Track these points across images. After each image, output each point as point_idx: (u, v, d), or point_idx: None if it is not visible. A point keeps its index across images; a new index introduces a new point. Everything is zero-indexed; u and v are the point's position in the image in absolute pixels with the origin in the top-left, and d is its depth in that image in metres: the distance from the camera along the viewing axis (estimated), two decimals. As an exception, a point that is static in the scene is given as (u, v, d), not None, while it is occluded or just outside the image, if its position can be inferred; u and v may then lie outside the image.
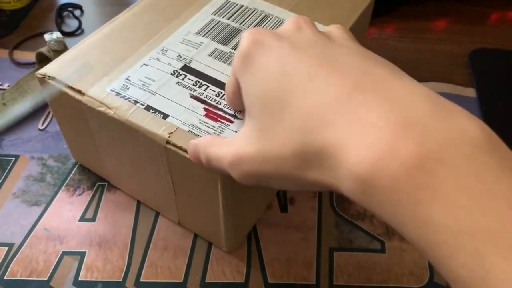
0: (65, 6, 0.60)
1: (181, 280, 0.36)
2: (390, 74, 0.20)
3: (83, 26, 0.58)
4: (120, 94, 0.33)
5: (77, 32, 0.58)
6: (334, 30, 0.25)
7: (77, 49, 0.37)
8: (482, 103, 0.50)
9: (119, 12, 0.41)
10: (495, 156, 0.17)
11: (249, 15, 0.41)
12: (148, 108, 0.33)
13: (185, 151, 0.30)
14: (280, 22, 0.40)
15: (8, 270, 0.37)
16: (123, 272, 0.37)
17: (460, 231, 0.15)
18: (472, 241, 0.15)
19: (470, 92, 0.52)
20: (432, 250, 0.16)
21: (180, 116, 0.32)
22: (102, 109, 0.33)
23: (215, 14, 0.40)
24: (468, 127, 0.17)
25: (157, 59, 0.36)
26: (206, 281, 0.37)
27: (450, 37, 0.59)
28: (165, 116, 0.32)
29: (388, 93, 0.19)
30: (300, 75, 0.21)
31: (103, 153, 0.39)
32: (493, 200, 0.15)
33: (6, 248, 0.38)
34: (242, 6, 0.41)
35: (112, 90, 0.34)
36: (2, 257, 0.38)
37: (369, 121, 0.18)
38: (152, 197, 0.39)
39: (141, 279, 0.36)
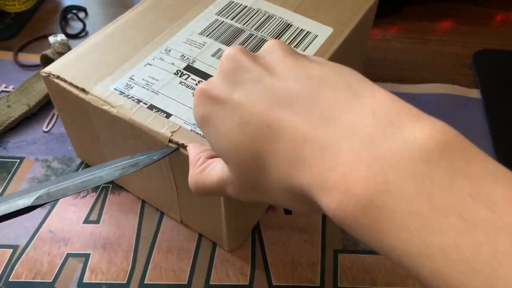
0: (69, 9, 0.61)
1: (185, 282, 0.36)
2: (337, 99, 0.20)
3: (88, 28, 0.59)
4: (124, 93, 0.34)
5: (81, 34, 0.58)
6: (272, 54, 0.23)
7: (81, 48, 0.37)
8: (486, 104, 0.50)
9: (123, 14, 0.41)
10: (443, 164, 0.16)
11: (253, 15, 0.41)
12: (151, 107, 0.33)
13: (186, 149, 0.30)
14: (283, 23, 0.40)
15: (13, 272, 0.37)
16: (128, 274, 0.37)
17: (420, 255, 0.16)
18: (432, 262, 0.16)
19: (474, 93, 0.51)
20: (408, 271, 0.17)
21: (183, 115, 0.32)
22: (106, 107, 0.33)
23: (218, 15, 0.40)
24: (413, 138, 0.17)
25: (161, 59, 0.36)
26: (210, 283, 0.36)
27: (454, 38, 0.59)
28: (168, 115, 0.32)
29: (336, 128, 0.19)
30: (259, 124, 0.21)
31: (107, 152, 0.39)
32: (443, 217, 0.16)
33: (11, 250, 0.38)
34: (246, 6, 0.41)
35: (115, 89, 0.34)
36: (7, 259, 0.38)
37: (326, 167, 0.18)
38: (155, 196, 0.40)
39: (146, 281, 0.36)
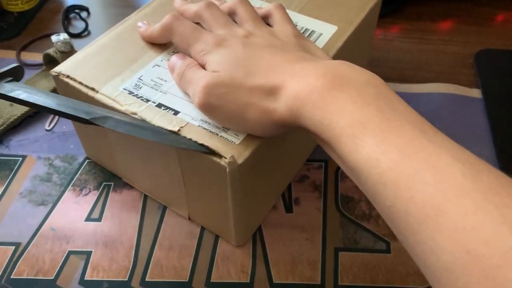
0: (72, 8, 0.61)
1: (186, 280, 0.37)
2: (315, 55, 0.33)
3: (90, 27, 0.59)
4: (133, 93, 0.34)
5: (83, 34, 0.58)
6: (279, 27, 0.35)
7: (90, 48, 0.38)
8: (487, 103, 0.50)
9: (125, 14, 0.41)
10: (373, 89, 0.26)
11: None
12: (160, 105, 0.33)
13: (196, 143, 0.31)
14: None
15: (15, 269, 0.37)
16: (129, 272, 0.37)
17: (345, 125, 0.25)
18: (351, 129, 0.24)
19: (476, 93, 0.51)
20: (330, 141, 0.26)
21: (190, 112, 0.33)
22: (116, 105, 0.33)
23: None
24: (360, 75, 0.27)
25: (169, 60, 0.36)
26: (211, 280, 0.37)
27: (456, 38, 0.59)
28: (176, 112, 0.33)
29: (315, 63, 0.29)
30: (261, 55, 0.31)
31: (115, 150, 0.39)
32: (367, 105, 0.25)
33: (13, 248, 0.38)
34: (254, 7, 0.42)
35: (125, 89, 0.34)
36: (9, 256, 0.38)
37: (304, 74, 0.28)
38: (163, 192, 0.40)
39: (147, 279, 0.37)
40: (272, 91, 0.29)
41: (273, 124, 0.29)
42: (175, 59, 0.34)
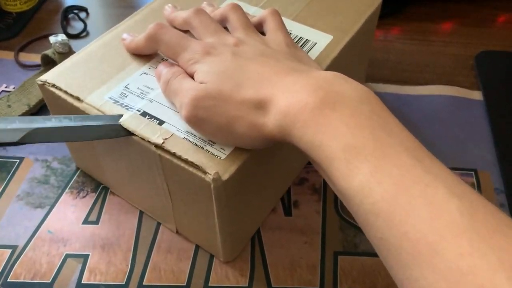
0: (70, 9, 0.61)
1: (184, 284, 0.36)
2: (308, 66, 0.31)
3: (89, 28, 0.59)
4: (118, 101, 0.33)
5: (82, 34, 0.58)
6: (271, 36, 0.34)
7: (78, 56, 0.37)
8: (488, 105, 0.49)
9: (124, 14, 0.41)
10: (367, 107, 0.25)
11: None
12: (144, 114, 0.32)
13: (179, 158, 0.30)
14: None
15: (12, 272, 0.37)
16: (126, 275, 0.37)
17: (337, 149, 0.24)
18: (344, 154, 0.23)
19: (477, 95, 0.51)
20: (321, 163, 0.25)
21: (176, 123, 0.32)
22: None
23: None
24: (353, 91, 0.26)
25: (156, 68, 0.36)
26: (209, 284, 0.36)
27: (456, 40, 0.59)
28: (161, 122, 0.32)
29: (307, 77, 0.28)
30: (252, 66, 0.30)
31: (103, 161, 0.39)
32: (361, 128, 0.24)
33: (10, 251, 0.38)
34: (248, 15, 0.41)
35: (110, 98, 0.34)
36: (6, 259, 0.38)
37: (295, 89, 0.27)
38: (151, 206, 0.39)
39: (144, 282, 0.36)
40: (261, 105, 0.28)
41: (262, 138, 0.29)
42: (161, 66, 0.33)
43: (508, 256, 0.18)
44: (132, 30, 0.39)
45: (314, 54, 0.38)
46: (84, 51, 0.38)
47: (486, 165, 0.45)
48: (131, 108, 0.33)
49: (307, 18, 0.41)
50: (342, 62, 0.39)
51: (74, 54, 0.38)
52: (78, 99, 0.34)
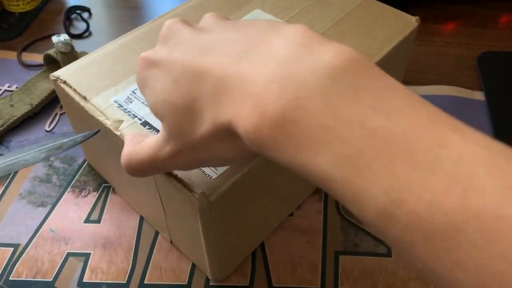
0: (73, 9, 0.61)
1: (185, 283, 0.36)
2: (258, 36, 0.21)
3: (91, 28, 0.59)
4: (122, 106, 0.33)
5: (85, 35, 0.58)
6: (206, 20, 0.26)
7: (94, 55, 0.37)
8: (491, 106, 0.49)
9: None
10: (348, 79, 0.18)
11: None
12: (145, 123, 0.32)
13: (169, 173, 0.29)
14: None
15: (14, 271, 0.37)
16: (128, 274, 0.37)
17: (328, 165, 0.17)
18: (338, 171, 0.17)
19: (478, 95, 0.51)
20: (319, 185, 0.18)
21: None
22: (101, 118, 0.33)
23: None
24: (320, 58, 0.18)
25: None
26: (210, 284, 0.36)
27: (459, 40, 0.59)
28: None
29: (254, 58, 0.20)
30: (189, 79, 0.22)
31: (106, 162, 0.39)
32: (347, 128, 0.17)
33: (12, 249, 0.38)
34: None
35: (115, 101, 0.34)
36: (8, 257, 0.38)
37: (244, 94, 0.19)
38: (148, 213, 0.39)
39: (145, 281, 0.36)
40: (226, 132, 0.21)
41: (249, 155, 0.22)
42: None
43: None
44: (152, 34, 0.39)
45: None
46: (101, 50, 0.38)
47: (488, 166, 0.44)
48: (133, 115, 0.33)
49: (334, 36, 0.39)
50: None
51: (91, 53, 0.38)
52: (84, 98, 0.34)
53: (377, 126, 0.17)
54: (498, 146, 0.16)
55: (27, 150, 0.30)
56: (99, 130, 0.32)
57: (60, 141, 0.31)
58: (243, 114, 0.19)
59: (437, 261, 0.15)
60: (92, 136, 0.32)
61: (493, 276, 0.14)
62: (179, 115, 0.22)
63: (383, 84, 0.18)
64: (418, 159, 0.16)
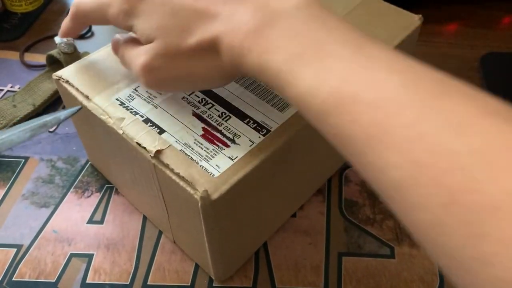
0: (75, 9, 0.61)
1: (189, 284, 0.36)
2: None
3: (94, 28, 0.59)
4: (124, 104, 0.33)
5: (87, 35, 0.58)
6: None
7: (95, 55, 0.37)
8: (494, 107, 0.49)
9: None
10: (304, 13, 0.25)
11: None
12: (147, 120, 0.32)
13: (172, 170, 0.29)
14: None
15: (17, 272, 0.37)
16: (131, 275, 0.37)
17: (280, 63, 0.24)
18: (288, 64, 0.23)
19: (482, 97, 0.51)
20: (271, 82, 0.25)
21: (176, 133, 0.31)
22: (104, 117, 0.33)
23: None
24: (288, 1, 0.25)
25: None
26: (213, 285, 0.36)
27: (461, 41, 0.59)
28: (161, 132, 0.31)
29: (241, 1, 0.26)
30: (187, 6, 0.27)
31: (109, 161, 0.39)
32: (300, 36, 0.24)
33: (15, 250, 0.38)
34: None
35: (117, 99, 0.34)
36: (11, 258, 0.38)
37: (235, 20, 0.26)
38: (151, 213, 0.39)
39: (149, 282, 0.36)
40: (211, 46, 0.26)
41: (222, 77, 0.29)
42: (112, 40, 0.32)
43: (454, 115, 0.19)
44: None
45: None
46: (104, 50, 0.38)
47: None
48: (135, 112, 0.33)
49: None
50: None
51: (93, 52, 0.38)
52: (87, 97, 0.34)
53: (319, 37, 0.24)
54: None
55: (11, 130, 0.31)
56: (81, 108, 0.33)
57: (44, 120, 0.31)
58: (228, 31, 0.25)
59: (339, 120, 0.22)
60: (75, 113, 0.32)
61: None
62: (173, 31, 0.27)
63: (326, 15, 0.25)
64: (339, 55, 0.23)
